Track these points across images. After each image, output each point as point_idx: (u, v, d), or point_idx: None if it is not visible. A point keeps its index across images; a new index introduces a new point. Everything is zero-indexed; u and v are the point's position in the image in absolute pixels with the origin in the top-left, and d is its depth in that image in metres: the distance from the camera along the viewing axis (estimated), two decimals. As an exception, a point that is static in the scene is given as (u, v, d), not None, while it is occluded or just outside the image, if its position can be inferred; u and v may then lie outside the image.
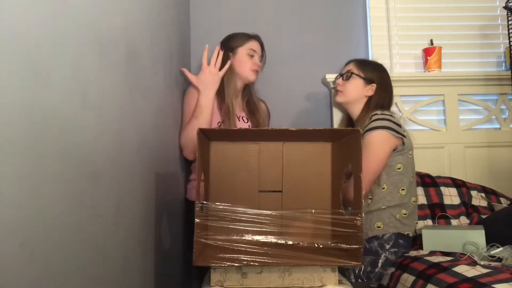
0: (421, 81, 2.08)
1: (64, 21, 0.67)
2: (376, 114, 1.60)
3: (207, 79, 1.62)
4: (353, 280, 1.53)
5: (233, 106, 1.70)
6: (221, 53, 1.67)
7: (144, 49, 1.14)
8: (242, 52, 1.74)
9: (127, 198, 0.97)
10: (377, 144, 1.54)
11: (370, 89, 1.70)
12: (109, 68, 0.87)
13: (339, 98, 1.76)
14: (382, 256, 1.54)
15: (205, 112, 1.59)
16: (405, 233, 1.57)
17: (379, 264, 1.53)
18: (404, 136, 1.60)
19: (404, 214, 1.58)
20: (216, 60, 1.64)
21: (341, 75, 1.79)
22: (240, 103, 1.80)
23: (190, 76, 1.65)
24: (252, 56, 1.75)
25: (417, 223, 1.64)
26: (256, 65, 1.75)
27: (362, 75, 1.71)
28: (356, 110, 1.71)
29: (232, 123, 1.66)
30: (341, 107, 1.88)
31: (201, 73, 1.64)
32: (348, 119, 1.83)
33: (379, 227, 1.56)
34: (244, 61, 1.74)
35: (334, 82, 1.93)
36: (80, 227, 0.71)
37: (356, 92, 1.70)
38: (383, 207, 1.57)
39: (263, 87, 1.94)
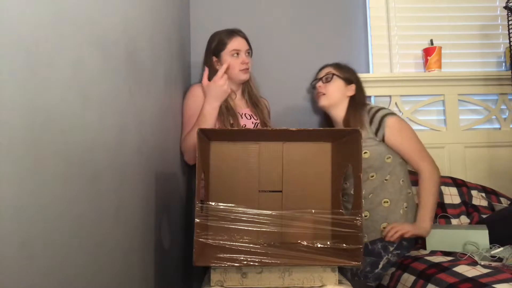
0: (421, 81, 2.08)
1: (64, 21, 0.67)
2: (374, 107, 1.67)
3: (215, 89, 1.60)
4: (349, 277, 1.53)
5: (233, 106, 1.71)
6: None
7: (144, 49, 1.14)
8: (226, 56, 1.71)
9: (127, 198, 0.97)
10: (404, 126, 1.63)
11: (351, 89, 1.73)
12: (109, 68, 0.87)
13: (324, 101, 1.73)
14: (384, 258, 1.53)
15: (209, 120, 1.58)
16: None
17: (380, 266, 1.53)
18: None
19: (406, 208, 1.60)
20: (223, 74, 1.61)
21: (319, 79, 1.78)
22: (241, 101, 1.80)
23: (205, 79, 1.64)
24: (237, 55, 1.71)
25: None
26: (244, 63, 1.71)
27: (341, 75, 1.74)
28: (339, 111, 1.71)
29: (226, 122, 1.65)
30: (323, 110, 1.82)
31: (212, 81, 1.62)
32: (328, 123, 1.83)
33: (384, 227, 1.56)
34: (231, 64, 1.70)
35: (310, 85, 1.92)
36: (80, 227, 0.71)
37: (339, 92, 1.71)
38: (384, 200, 1.57)
39: (263, 86, 1.94)
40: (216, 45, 1.74)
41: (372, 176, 1.60)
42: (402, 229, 1.51)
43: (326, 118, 1.85)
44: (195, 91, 1.70)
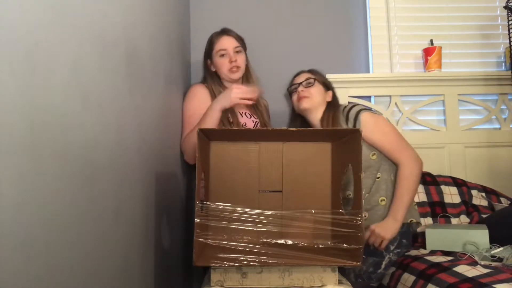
0: (421, 81, 2.08)
1: (64, 21, 0.67)
2: (347, 105, 1.68)
3: (226, 92, 1.58)
4: (353, 279, 1.53)
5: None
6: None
7: (144, 49, 1.14)
8: (215, 57, 1.72)
9: (127, 198, 0.97)
10: (379, 121, 1.61)
11: (329, 95, 1.76)
12: (109, 68, 0.87)
13: (306, 104, 1.72)
14: (386, 258, 1.53)
15: (207, 120, 1.57)
16: (408, 221, 1.57)
17: (382, 266, 1.53)
18: None
19: None
20: (248, 90, 1.60)
21: (299, 84, 1.76)
22: None
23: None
24: (224, 56, 1.70)
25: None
26: (231, 62, 1.69)
27: (321, 80, 1.77)
28: (318, 115, 1.71)
29: (225, 120, 1.65)
30: (302, 114, 1.79)
31: (232, 86, 1.60)
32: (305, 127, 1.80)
33: None
34: (219, 64, 1.71)
35: (288, 91, 1.88)
36: (80, 227, 0.71)
37: (321, 96, 1.73)
38: (381, 199, 1.57)
39: (263, 87, 1.94)
40: (207, 48, 1.76)
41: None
42: (377, 240, 1.50)
43: (303, 123, 1.82)
44: (195, 91, 1.70)
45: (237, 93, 1.55)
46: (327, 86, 1.78)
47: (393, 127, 1.66)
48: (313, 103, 1.72)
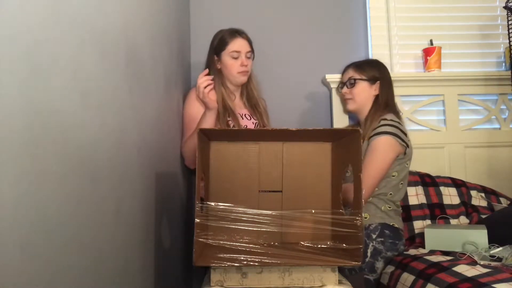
0: (421, 81, 2.08)
1: (64, 21, 0.67)
2: (385, 119, 1.61)
3: (198, 89, 1.61)
4: (348, 273, 1.54)
5: (233, 106, 1.70)
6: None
7: (144, 49, 1.14)
8: (226, 57, 1.70)
9: (127, 198, 0.97)
10: (383, 150, 1.56)
11: (376, 88, 1.72)
12: (109, 68, 0.87)
13: (351, 106, 1.76)
14: (370, 245, 1.55)
15: (200, 124, 1.59)
16: (391, 224, 1.58)
17: (368, 254, 1.55)
18: (407, 145, 1.62)
19: (389, 207, 1.61)
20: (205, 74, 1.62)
21: (343, 83, 1.79)
22: (240, 101, 1.80)
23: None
24: (236, 58, 1.70)
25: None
26: (242, 66, 1.70)
27: (364, 77, 1.72)
28: (365, 111, 1.72)
29: (223, 122, 1.65)
30: (352, 113, 1.85)
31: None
32: (357, 123, 1.83)
33: (365, 217, 1.58)
34: (229, 65, 1.70)
35: (337, 89, 1.95)
36: (80, 227, 0.72)
37: (364, 95, 1.72)
38: (368, 199, 1.59)
39: (263, 87, 1.94)
40: (217, 44, 1.73)
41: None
42: None
43: (355, 117, 1.85)
44: (194, 95, 1.69)
45: (202, 82, 1.57)
46: (373, 78, 1.72)
47: (385, 163, 1.56)
48: (358, 104, 1.73)
